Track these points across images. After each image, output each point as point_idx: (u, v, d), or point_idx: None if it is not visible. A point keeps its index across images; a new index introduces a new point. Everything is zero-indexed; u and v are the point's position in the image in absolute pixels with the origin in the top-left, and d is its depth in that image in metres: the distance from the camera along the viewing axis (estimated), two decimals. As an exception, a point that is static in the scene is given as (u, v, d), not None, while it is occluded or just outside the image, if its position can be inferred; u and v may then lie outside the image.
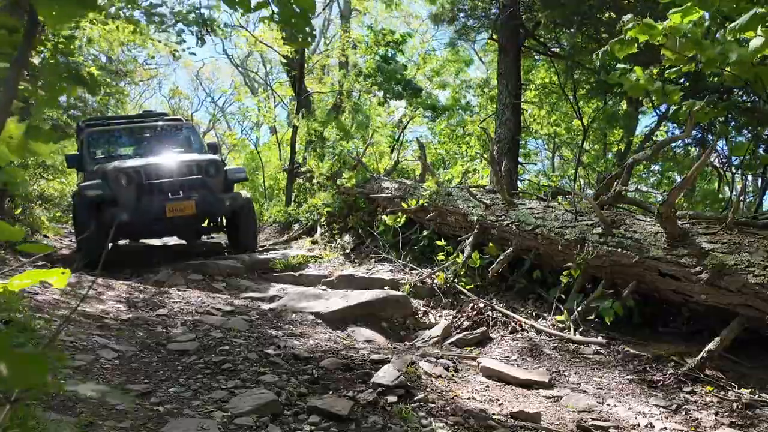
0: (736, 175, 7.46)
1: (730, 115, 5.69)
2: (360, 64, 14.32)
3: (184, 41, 11.43)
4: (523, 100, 10.78)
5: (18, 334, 3.01)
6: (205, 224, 8.85)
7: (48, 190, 12.89)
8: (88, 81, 1.28)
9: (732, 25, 3.13)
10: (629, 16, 3.68)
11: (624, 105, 10.96)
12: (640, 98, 8.92)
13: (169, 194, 7.41)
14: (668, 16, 3.37)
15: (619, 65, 4.12)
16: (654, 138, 10.47)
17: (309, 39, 1.55)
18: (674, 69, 3.94)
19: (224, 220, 8.72)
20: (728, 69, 3.62)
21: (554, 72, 11.21)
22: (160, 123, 9.37)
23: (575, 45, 8.80)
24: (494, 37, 9.90)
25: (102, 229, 7.00)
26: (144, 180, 7.39)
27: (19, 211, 9.58)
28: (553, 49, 10.30)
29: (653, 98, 5.03)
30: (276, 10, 1.45)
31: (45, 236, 10.06)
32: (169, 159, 7.90)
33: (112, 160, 8.07)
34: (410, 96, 13.11)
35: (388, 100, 13.17)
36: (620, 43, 3.67)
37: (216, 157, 8.50)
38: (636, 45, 3.66)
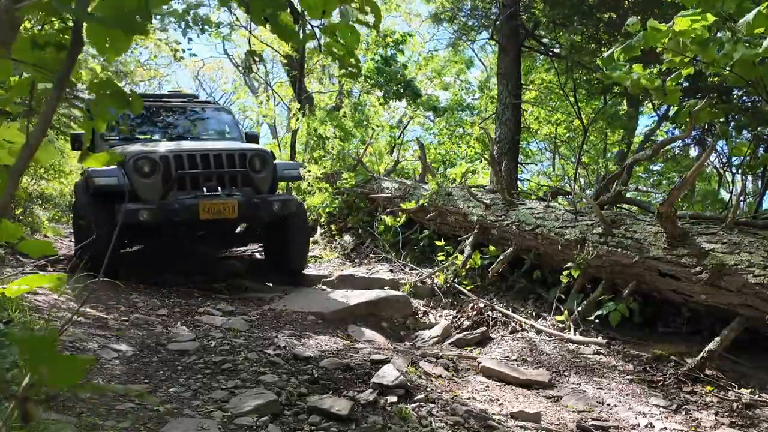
0: (736, 175, 7.47)
1: (730, 116, 5.69)
2: (361, 64, 14.30)
3: (190, 40, 11.44)
4: (523, 100, 10.78)
5: (18, 334, 3.01)
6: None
7: (48, 190, 12.89)
8: (131, 101, 1.27)
9: (740, 22, 3.13)
10: (633, 19, 3.68)
11: (624, 105, 10.96)
12: (640, 99, 8.93)
13: (205, 190, 5.81)
14: (675, 20, 3.36)
15: (619, 63, 4.12)
16: (654, 138, 10.48)
17: (355, 71, 1.59)
18: (674, 74, 3.94)
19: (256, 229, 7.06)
20: (728, 70, 3.62)
21: (554, 72, 11.21)
22: (191, 104, 7.69)
23: (575, 45, 8.80)
24: (494, 37, 9.90)
25: (112, 231, 5.34)
26: (173, 170, 5.76)
27: (19, 211, 9.58)
28: (553, 49, 10.31)
29: (653, 98, 5.02)
30: (322, 43, 1.49)
31: (45, 236, 10.06)
32: (206, 146, 6.26)
33: (130, 143, 6.49)
34: (410, 97, 13.10)
35: (387, 100, 13.16)
36: (625, 50, 3.67)
37: (263, 147, 6.99)
38: (639, 49, 3.65)
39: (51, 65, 1.12)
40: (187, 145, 6.26)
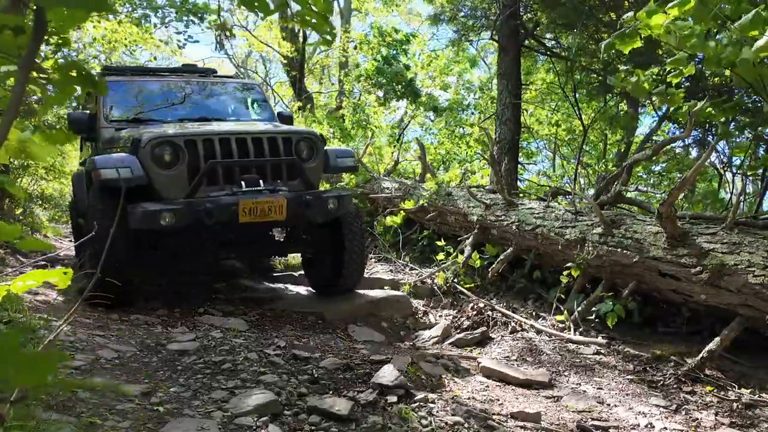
0: (736, 175, 7.46)
1: (731, 116, 5.70)
2: (362, 64, 14.33)
3: (190, 37, 11.45)
4: (523, 100, 10.78)
5: (18, 334, 3.01)
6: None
7: (48, 190, 12.90)
8: (97, 81, 1.26)
9: (736, 24, 3.14)
10: (630, 14, 3.70)
11: (624, 105, 10.97)
12: (640, 100, 8.93)
13: (243, 184, 4.59)
14: (667, 9, 3.39)
15: (621, 67, 4.14)
16: (654, 138, 10.48)
17: (329, 38, 1.54)
18: (675, 73, 3.95)
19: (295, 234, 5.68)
20: (728, 71, 3.63)
21: (554, 73, 11.21)
22: (213, 79, 6.41)
23: (575, 45, 8.81)
24: (494, 37, 9.90)
25: (123, 239, 4.29)
26: (201, 158, 4.50)
27: (19, 211, 9.58)
28: (553, 49, 10.31)
29: (655, 100, 5.03)
30: (294, 11, 1.46)
31: (45, 236, 10.06)
32: (241, 128, 4.93)
33: (143, 125, 5.17)
34: (410, 97, 13.11)
35: (388, 100, 13.17)
36: (621, 37, 3.68)
37: (311, 129, 5.72)
38: (638, 38, 3.67)
39: (11, 49, 1.10)
40: (217, 127, 4.93)
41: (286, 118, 6.20)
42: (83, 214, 5.11)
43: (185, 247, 4.91)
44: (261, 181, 4.65)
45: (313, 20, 1.45)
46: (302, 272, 6.24)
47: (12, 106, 0.99)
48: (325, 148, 5.17)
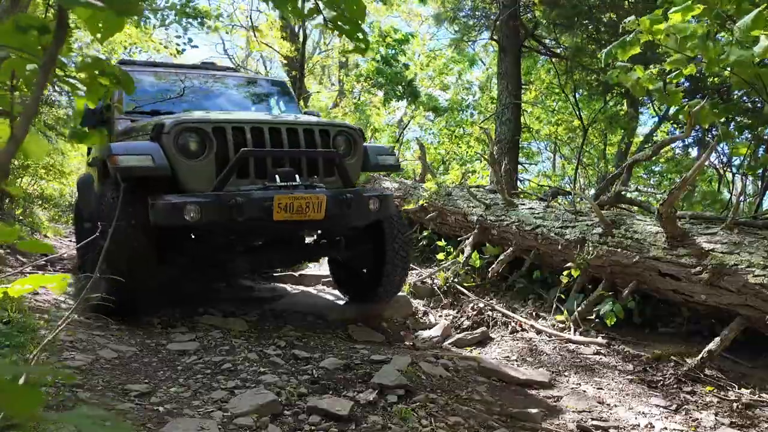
0: (736, 175, 7.47)
1: (731, 117, 5.69)
2: (361, 64, 14.34)
3: (190, 40, 11.47)
4: (523, 100, 10.79)
5: (18, 334, 3.01)
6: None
7: (48, 191, 12.91)
8: (123, 78, 1.26)
9: (738, 24, 3.14)
10: (632, 18, 3.70)
11: (624, 106, 10.98)
12: (640, 100, 8.93)
13: (277, 179, 4.09)
14: (669, 15, 3.39)
15: (619, 64, 4.14)
16: (654, 138, 10.48)
17: (363, 45, 1.52)
18: (676, 72, 3.95)
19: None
20: (727, 72, 3.63)
21: (555, 72, 11.22)
22: (237, 75, 6.11)
23: (575, 45, 8.81)
24: (494, 37, 9.91)
25: (142, 236, 3.90)
26: (231, 147, 4.05)
27: (20, 211, 9.59)
28: (553, 49, 10.32)
29: (655, 99, 5.04)
30: (327, 17, 1.44)
31: (45, 236, 10.06)
32: (273, 117, 4.66)
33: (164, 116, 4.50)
34: (410, 98, 13.12)
35: (389, 100, 13.17)
36: (622, 45, 3.68)
37: (349, 123, 5.34)
38: (639, 45, 3.67)
39: (35, 49, 1.11)
40: (247, 114, 4.55)
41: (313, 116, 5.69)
42: (90, 217, 4.80)
43: (210, 250, 4.45)
44: (298, 175, 4.15)
45: (346, 26, 1.44)
46: (302, 272, 6.09)
47: (30, 107, 0.99)
48: (364, 144, 4.70)
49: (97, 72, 1.22)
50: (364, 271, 4.93)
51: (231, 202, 3.79)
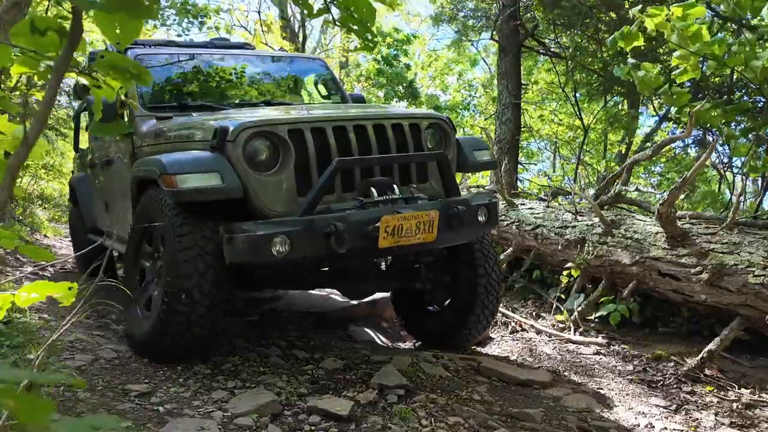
0: (736, 176, 7.46)
1: (732, 118, 5.70)
2: (362, 64, 14.34)
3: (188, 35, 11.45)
4: (523, 100, 10.79)
5: (17, 334, 3.01)
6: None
7: (48, 191, 12.91)
8: (139, 72, 1.24)
9: (756, 20, 3.14)
10: (637, 7, 3.71)
11: (625, 105, 10.98)
12: (641, 100, 8.93)
13: (374, 191, 3.15)
14: (672, 9, 3.40)
15: (629, 61, 4.15)
16: (654, 138, 10.48)
17: (371, 45, 1.55)
18: (680, 70, 3.95)
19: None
20: (738, 71, 3.64)
21: (554, 72, 11.22)
22: (268, 53, 5.20)
23: (575, 45, 8.81)
24: (494, 37, 9.91)
25: (216, 281, 3.00)
26: (313, 155, 3.11)
27: (20, 211, 9.59)
28: (553, 49, 10.32)
29: (662, 99, 5.03)
30: (336, 17, 1.49)
31: (45, 236, 10.07)
32: (356, 111, 3.63)
33: (201, 112, 3.67)
34: (410, 98, 13.12)
35: (388, 101, 13.18)
36: (624, 36, 3.69)
37: (436, 112, 4.18)
38: (641, 36, 3.68)
39: (51, 52, 1.10)
40: (324, 111, 3.59)
41: (358, 100, 4.95)
42: (93, 230, 4.12)
43: (284, 283, 3.63)
44: (394, 186, 3.21)
45: (355, 27, 1.46)
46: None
47: (43, 109, 0.99)
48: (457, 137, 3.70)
49: (113, 67, 1.21)
50: (435, 307, 3.99)
51: (328, 229, 2.87)
